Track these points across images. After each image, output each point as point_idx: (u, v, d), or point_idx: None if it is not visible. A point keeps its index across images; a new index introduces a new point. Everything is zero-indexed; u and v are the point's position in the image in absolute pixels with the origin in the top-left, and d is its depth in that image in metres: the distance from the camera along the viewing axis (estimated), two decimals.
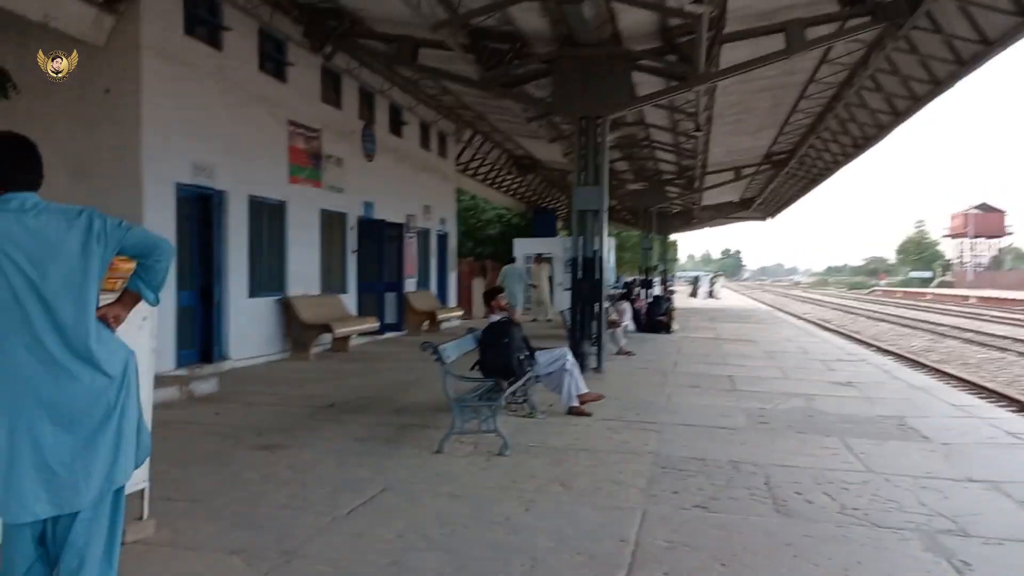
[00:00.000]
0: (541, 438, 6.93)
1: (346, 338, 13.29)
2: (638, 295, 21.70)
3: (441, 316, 18.12)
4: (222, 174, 10.74)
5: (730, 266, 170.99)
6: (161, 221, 9.49)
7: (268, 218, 12.18)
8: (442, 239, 20.69)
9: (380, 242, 15.71)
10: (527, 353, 7.92)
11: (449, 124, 20.07)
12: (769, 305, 49.75)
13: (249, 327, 11.45)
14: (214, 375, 9.54)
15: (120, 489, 2.96)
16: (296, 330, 12.28)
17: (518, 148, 23.86)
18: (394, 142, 16.96)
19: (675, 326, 19.35)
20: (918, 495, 5.36)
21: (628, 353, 13.93)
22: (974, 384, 14.28)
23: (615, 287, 28.95)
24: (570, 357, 8.15)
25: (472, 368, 7.64)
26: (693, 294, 51.02)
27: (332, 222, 14.21)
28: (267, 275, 12.18)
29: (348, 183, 14.60)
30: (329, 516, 4.58)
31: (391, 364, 11.84)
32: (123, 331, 3.66)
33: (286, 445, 6.45)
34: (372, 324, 13.99)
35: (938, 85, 12.58)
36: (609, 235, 35.65)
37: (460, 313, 19.92)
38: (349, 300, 14.65)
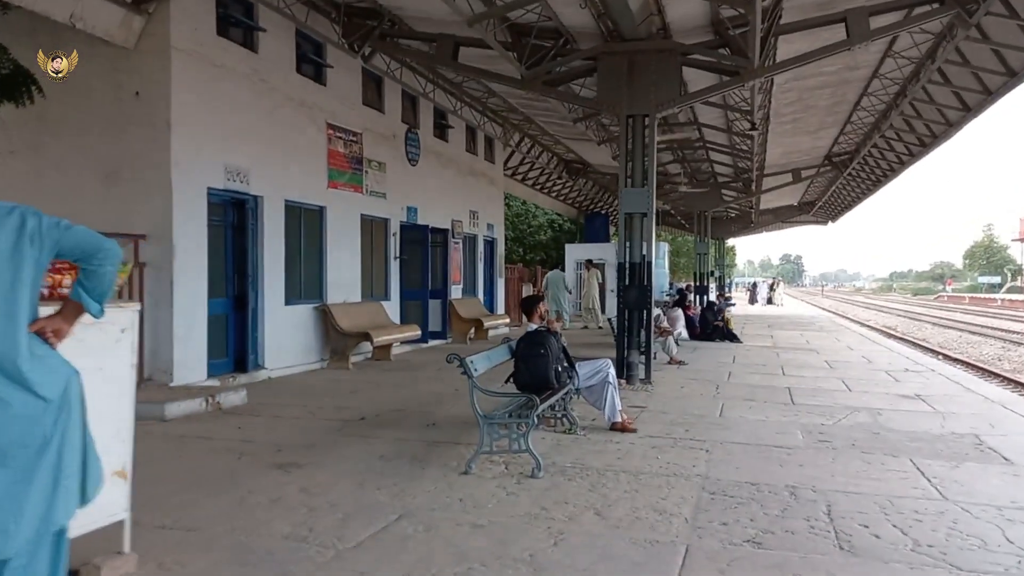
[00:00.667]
0: (578, 457, 6.43)
1: (387, 347, 12.96)
2: (691, 302, 20.98)
3: (488, 324, 17.71)
4: (257, 179, 10.49)
5: (790, 271, 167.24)
6: (192, 227, 9.28)
7: (306, 224, 11.92)
8: (490, 245, 20.30)
9: (424, 248, 15.36)
10: (566, 364, 7.43)
11: (496, 128, 19.67)
12: (831, 312, 48.24)
13: (285, 336, 11.18)
14: (244, 386, 9.26)
15: (62, 531, 2.55)
16: (335, 338, 11.98)
17: (568, 152, 23.37)
18: (439, 146, 16.63)
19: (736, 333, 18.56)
20: (1004, 530, 4.71)
21: (680, 363, 13.33)
22: None
23: (668, 294, 28.27)
24: (611, 370, 7.61)
25: (506, 381, 7.18)
26: (752, 300, 49.71)
27: (374, 228, 13.92)
28: (305, 282, 11.91)
29: (390, 188, 14.29)
30: (333, 550, 4.14)
31: (431, 374, 11.44)
32: (99, 345, 3.30)
33: (304, 464, 6.06)
34: (414, 332, 13.62)
35: (1013, 77, 11.67)
36: (662, 240, 35.02)
37: (507, 321, 19.48)
38: (391, 308, 14.33)
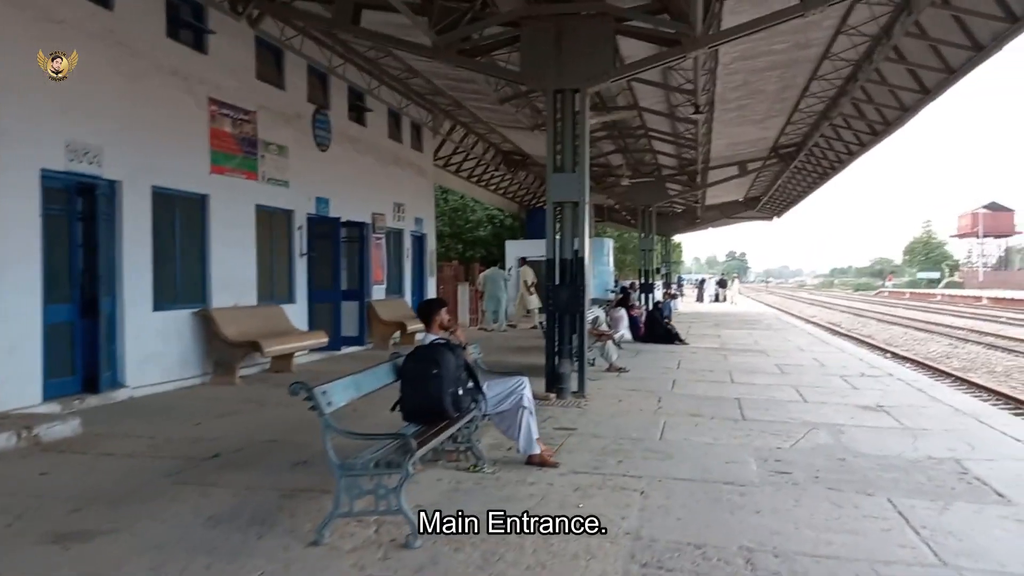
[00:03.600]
0: (478, 507, 4.97)
1: (287, 357, 11.34)
2: (635, 302, 19.73)
3: (413, 327, 16.09)
4: (113, 160, 8.79)
5: (735, 268, 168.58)
6: (19, 216, 7.56)
7: (183, 215, 10.25)
8: (419, 241, 18.72)
9: (337, 244, 13.75)
10: (470, 384, 5.97)
11: (423, 113, 18.08)
12: (776, 308, 47.77)
13: (154, 347, 9.50)
14: (80, 412, 7.59)
15: None
16: (219, 349, 10.32)
17: (504, 141, 21.90)
18: (355, 131, 15.02)
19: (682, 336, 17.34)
20: None
21: (620, 370, 12.00)
22: None
23: (612, 291, 27.05)
24: (527, 391, 6.17)
25: (392, 409, 5.69)
26: (699, 298, 48.97)
27: (273, 221, 12.27)
28: (182, 284, 10.25)
29: (295, 176, 12.65)
30: None
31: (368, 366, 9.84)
32: None
33: (96, 533, 4.48)
34: (318, 340, 12.00)
35: (979, 51, 10.55)
36: (607, 236, 33.87)
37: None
38: (296, 311, 12.69)
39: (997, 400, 12.82)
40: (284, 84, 12.52)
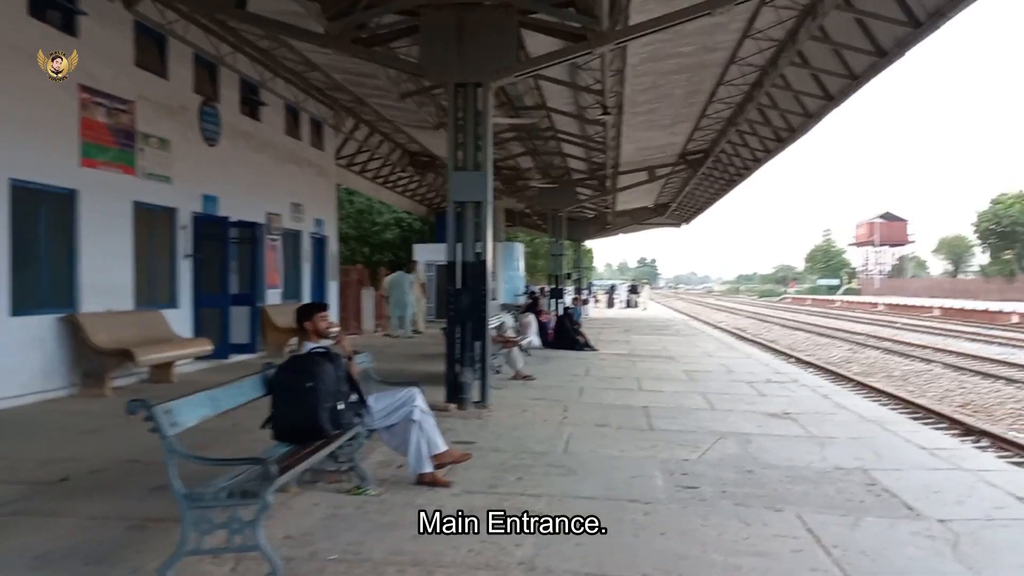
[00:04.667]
0: (355, 539, 4.43)
1: (167, 366, 10.47)
2: (544, 307, 19.41)
3: None
4: None
5: (646, 274, 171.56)
6: None
7: (48, 212, 9.30)
8: (319, 243, 17.91)
9: (226, 245, 12.89)
10: (354, 398, 5.41)
11: (324, 109, 17.29)
12: (685, 314, 48.52)
13: (12, 356, 8.53)
14: None
15: None
16: (88, 358, 9.40)
17: (411, 142, 21.27)
18: (248, 126, 14.16)
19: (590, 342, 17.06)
20: None
21: (527, 377, 11.59)
22: (932, 412, 12.42)
23: (521, 295, 26.76)
24: (419, 402, 5.65)
25: (263, 426, 5.08)
26: (610, 304, 49.28)
27: (154, 219, 11.35)
28: (46, 286, 9.30)
29: (179, 172, 11.75)
30: None
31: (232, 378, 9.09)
32: None
33: None
34: (202, 347, 11.15)
35: (883, 57, 10.61)
36: (518, 240, 33.55)
37: (338, 328, 17.09)
38: (179, 317, 11.79)
39: (897, 405, 12.98)
40: (167, 73, 11.61)
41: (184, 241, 12.02)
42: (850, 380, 16.79)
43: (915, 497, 5.48)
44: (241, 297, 13.31)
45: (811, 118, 14.27)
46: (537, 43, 9.91)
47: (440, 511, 4.88)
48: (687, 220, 42.63)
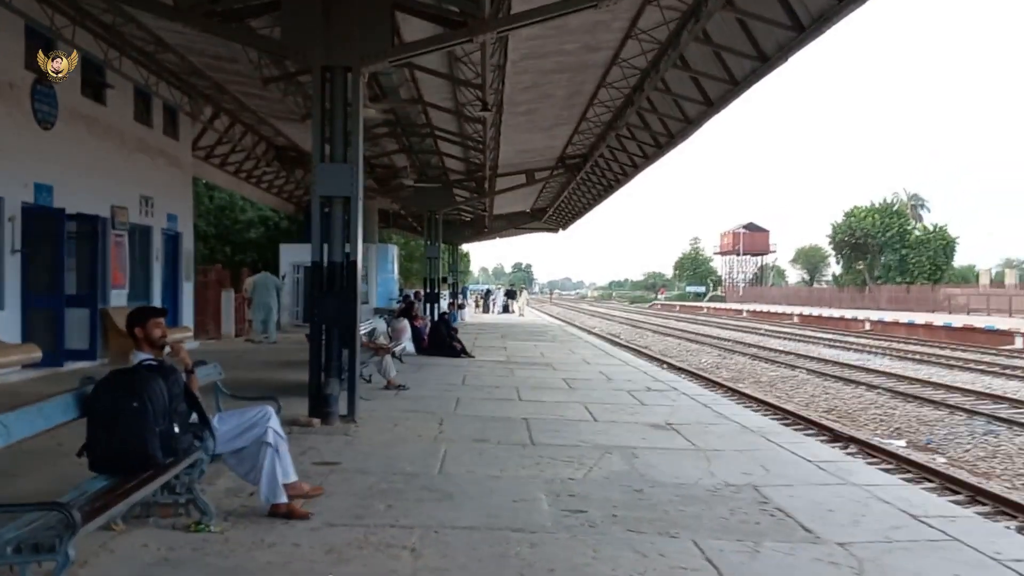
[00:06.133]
0: None
1: None
2: (419, 312, 18.71)
3: (170, 336, 13.99)
4: None
5: (522, 279, 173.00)
6: None
7: None
8: (172, 240, 16.50)
9: (62, 240, 11.51)
10: (192, 418, 4.59)
11: (179, 96, 15.92)
12: (561, 320, 48.82)
13: None
14: None
15: None
16: None
17: (277, 135, 20.05)
18: (91, 109, 12.75)
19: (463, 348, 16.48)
20: None
21: (400, 387, 10.89)
22: (809, 421, 12.53)
23: (396, 300, 25.89)
24: (273, 423, 4.88)
25: (79, 454, 4.19)
26: (485, 309, 48.93)
27: None
28: None
29: (4, 157, 10.36)
30: None
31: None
32: None
33: None
34: (28, 354, 9.81)
35: (765, 62, 10.57)
36: (392, 243, 32.66)
37: (190, 334, 15.75)
38: (5, 319, 10.38)
39: (774, 414, 13.07)
40: None
41: (11, 235, 10.60)
42: (722, 386, 16.97)
43: (810, 517, 5.19)
44: (79, 298, 11.93)
45: (691, 124, 14.25)
46: (413, 28, 9.26)
47: (297, 546, 4.16)
48: (564, 226, 42.93)
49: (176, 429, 4.39)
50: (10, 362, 9.54)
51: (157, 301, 15.21)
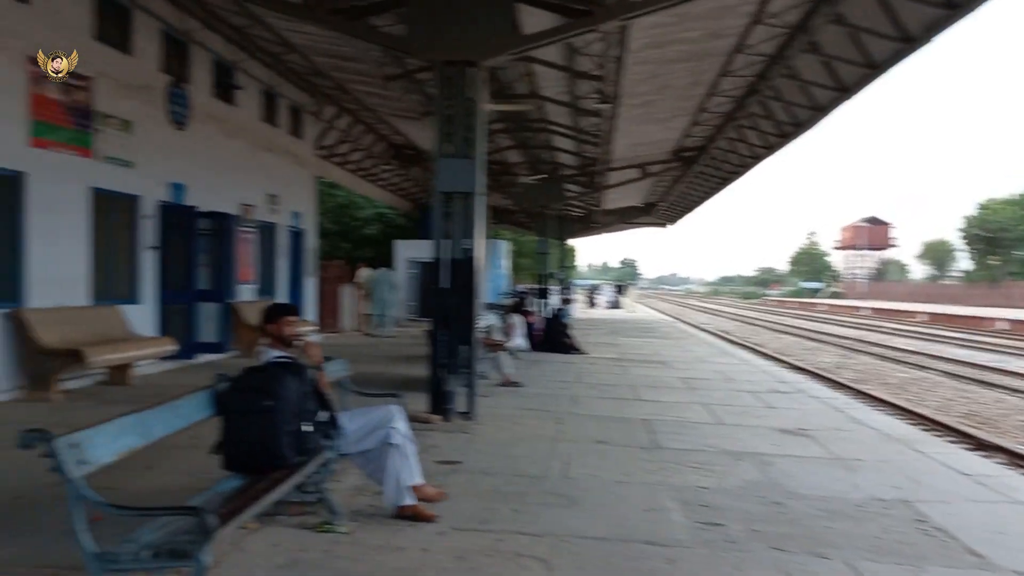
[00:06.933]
0: None
1: (124, 367, 9.57)
2: (532, 308, 18.60)
3: None
4: None
5: (627, 275, 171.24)
6: None
7: None
8: (296, 237, 16.99)
9: (194, 237, 11.97)
10: (322, 417, 4.56)
11: (303, 96, 16.35)
12: (669, 315, 47.88)
13: None
14: None
15: None
16: (34, 358, 8.48)
17: (395, 134, 20.36)
18: (221, 110, 13.23)
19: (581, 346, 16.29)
20: None
21: (515, 384, 10.78)
22: (950, 428, 11.64)
23: (508, 295, 25.91)
24: (400, 424, 4.81)
25: (212, 451, 4.23)
26: (591, 304, 48.55)
27: (114, 207, 10.41)
28: None
29: (143, 156, 10.83)
30: None
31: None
32: None
33: None
34: (163, 347, 10.25)
35: (909, 43, 9.83)
36: (503, 238, 32.73)
37: (315, 328, 16.19)
38: (142, 313, 10.87)
39: (912, 420, 12.26)
40: (131, 48, 10.67)
41: (147, 232, 11.09)
42: (850, 388, 16.10)
43: (976, 539, 4.73)
44: (210, 293, 12.39)
45: (820, 111, 13.50)
46: (533, 20, 9.08)
47: (426, 552, 4.06)
48: (674, 220, 41.94)
49: (306, 428, 4.37)
50: (148, 354, 9.98)
51: (282, 296, 15.71)
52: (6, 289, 8.59)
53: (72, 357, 8.43)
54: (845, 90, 12.11)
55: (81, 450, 2.89)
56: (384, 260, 26.49)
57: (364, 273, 21.37)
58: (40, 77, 8.84)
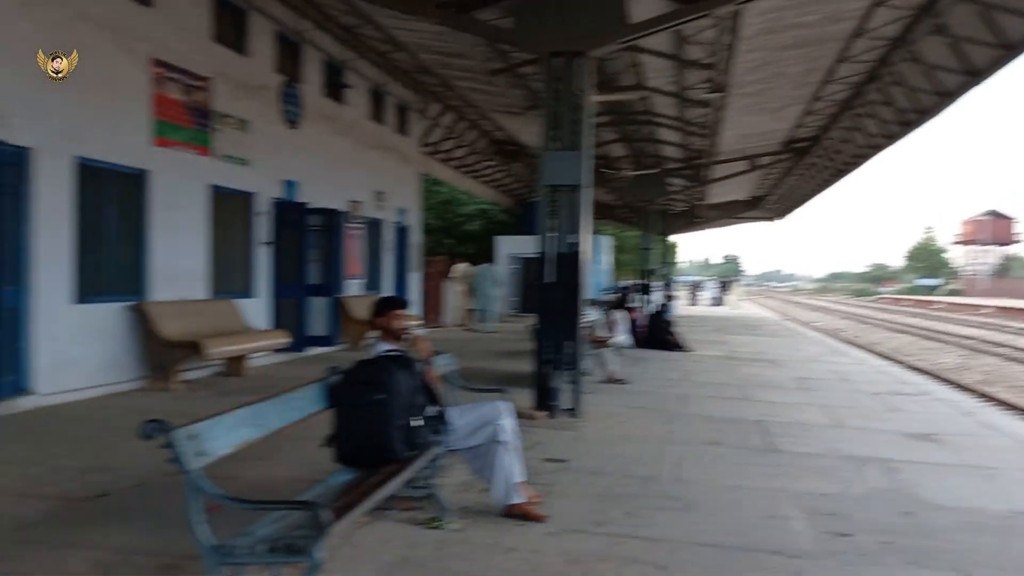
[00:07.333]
0: None
1: (239, 359, 9.88)
2: (636, 304, 18.27)
3: None
4: (24, 123, 7.31)
5: (729, 271, 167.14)
6: None
7: (117, 193, 8.76)
8: (402, 233, 17.23)
9: (305, 233, 12.27)
10: (431, 412, 4.50)
11: (409, 94, 16.56)
12: (776, 312, 46.39)
13: (75, 346, 8.01)
14: None
15: None
16: (155, 349, 8.83)
17: (497, 129, 20.39)
18: (331, 109, 13.51)
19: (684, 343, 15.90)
20: None
21: (620, 381, 10.56)
22: None
23: (609, 291, 25.61)
24: (509, 420, 4.71)
25: (325, 444, 4.23)
26: (693, 301, 47.54)
27: (230, 204, 10.77)
28: (113, 273, 8.76)
29: (258, 154, 11.16)
30: None
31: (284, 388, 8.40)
32: None
33: None
34: (276, 340, 10.53)
35: None
36: (604, 233, 32.40)
37: (418, 322, 16.37)
38: (256, 307, 11.21)
39: None
40: (248, 50, 11.01)
41: (261, 227, 11.43)
42: (976, 391, 15.12)
43: None
44: (319, 287, 12.67)
45: (947, 97, 12.67)
46: (642, 8, 8.82)
47: (537, 553, 3.94)
48: (782, 214, 40.55)
49: (416, 423, 4.31)
50: (262, 347, 10.29)
51: (387, 291, 15.94)
52: (131, 283, 8.98)
53: (191, 349, 8.75)
54: (975, 74, 11.31)
55: (199, 441, 2.89)
56: (485, 256, 26.64)
57: (460, 269, 21.53)
58: (163, 78, 9.21)
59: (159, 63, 9.15)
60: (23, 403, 7.34)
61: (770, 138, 20.24)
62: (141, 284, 9.08)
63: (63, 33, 7.71)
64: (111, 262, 8.72)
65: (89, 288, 8.27)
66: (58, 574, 3.69)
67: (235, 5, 10.69)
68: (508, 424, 4.67)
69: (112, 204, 8.70)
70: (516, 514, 4.60)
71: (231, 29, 10.69)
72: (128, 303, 8.83)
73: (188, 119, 9.72)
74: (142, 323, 8.85)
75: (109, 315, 8.56)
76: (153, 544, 4.10)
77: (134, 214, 9.00)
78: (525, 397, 8.08)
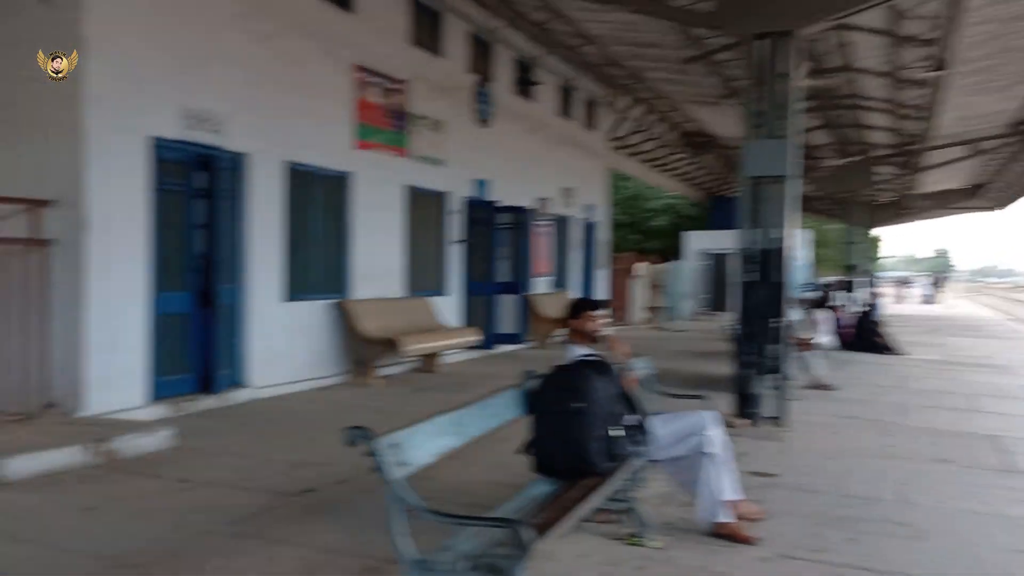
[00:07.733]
0: None
1: (433, 356, 10.10)
2: (838, 302, 17.07)
3: None
4: (240, 129, 7.80)
5: (940, 265, 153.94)
6: (121, 190, 6.63)
7: (322, 194, 9.18)
8: (589, 229, 17.06)
9: (495, 231, 12.39)
10: (632, 422, 4.25)
11: (597, 88, 16.34)
12: (997, 311, 41.98)
13: (284, 342, 8.47)
14: (178, 420, 6.59)
15: None
16: (356, 345, 9.19)
17: (687, 120, 19.73)
18: (521, 106, 13.56)
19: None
20: None
21: (827, 387, 9.80)
22: None
23: (809, 288, 24.14)
24: (714, 431, 4.37)
25: (522, 451, 4.09)
26: (899, 299, 44.03)
27: (425, 203, 11.03)
28: (318, 271, 9.18)
29: (451, 154, 11.38)
30: None
31: (477, 396, 8.44)
32: None
33: None
34: (467, 337, 10.66)
35: None
36: (804, 226, 30.75)
37: (609, 320, 16.17)
38: (448, 305, 11.42)
39: None
40: (442, 51, 11.25)
41: (453, 226, 11.65)
42: None
43: None
44: (508, 285, 12.77)
45: None
46: None
47: None
48: (1004, 204, 36.62)
49: (615, 432, 4.07)
50: (454, 344, 10.47)
51: (575, 288, 15.84)
52: (334, 281, 9.39)
53: (388, 345, 9.02)
54: None
55: (401, 450, 2.82)
56: (672, 251, 25.96)
57: (643, 267, 21.06)
58: (364, 82, 9.56)
59: (360, 68, 9.50)
60: (238, 396, 7.84)
61: (994, 120, 18.19)
62: (343, 282, 9.48)
63: (273, 42, 8.17)
64: (316, 261, 9.16)
65: (297, 286, 8.72)
66: (268, 572, 3.78)
67: (431, 8, 10.93)
68: (716, 435, 4.34)
69: (318, 206, 9.14)
70: (723, 534, 4.25)
71: (427, 31, 10.96)
72: (331, 301, 9.24)
73: (387, 121, 10.04)
74: (344, 320, 9.23)
75: (314, 312, 9.00)
76: (356, 545, 4.14)
77: (337, 215, 9.40)
78: (722, 402, 7.63)
